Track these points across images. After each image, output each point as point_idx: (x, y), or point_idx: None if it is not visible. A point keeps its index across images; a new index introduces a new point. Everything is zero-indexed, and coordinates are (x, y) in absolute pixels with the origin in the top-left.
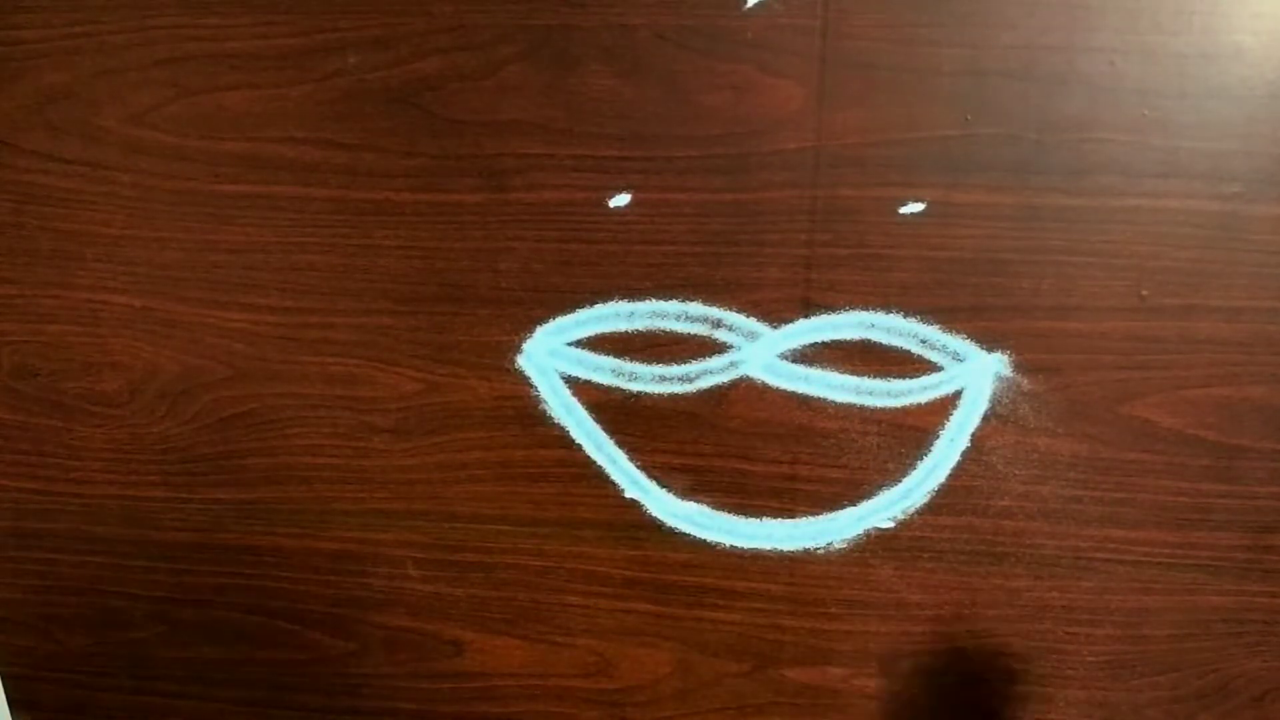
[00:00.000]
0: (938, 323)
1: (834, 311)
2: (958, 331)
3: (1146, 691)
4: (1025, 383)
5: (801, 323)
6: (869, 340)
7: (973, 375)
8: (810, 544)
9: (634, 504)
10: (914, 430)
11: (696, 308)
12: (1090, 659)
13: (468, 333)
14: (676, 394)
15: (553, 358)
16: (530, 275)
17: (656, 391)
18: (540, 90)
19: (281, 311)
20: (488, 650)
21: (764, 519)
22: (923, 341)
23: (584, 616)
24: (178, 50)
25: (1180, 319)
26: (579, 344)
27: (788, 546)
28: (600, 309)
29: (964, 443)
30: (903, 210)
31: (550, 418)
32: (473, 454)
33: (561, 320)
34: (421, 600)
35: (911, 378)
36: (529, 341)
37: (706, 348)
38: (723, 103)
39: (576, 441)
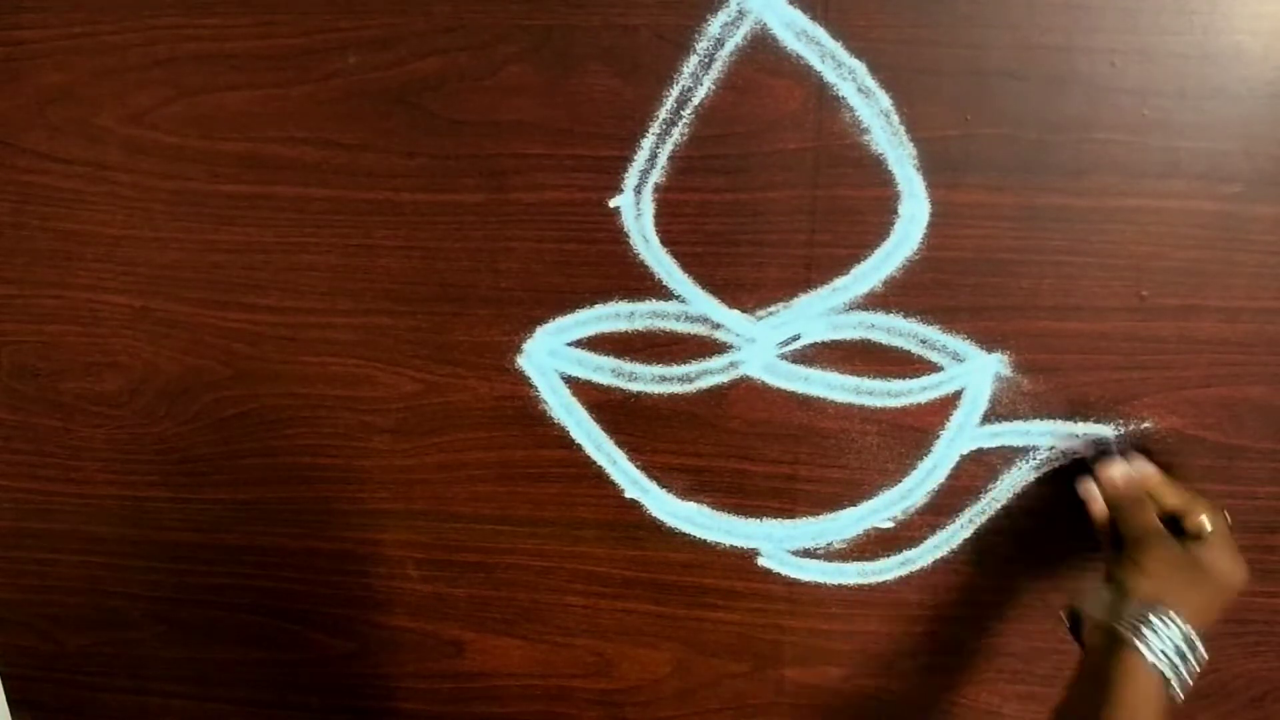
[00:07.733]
0: (938, 323)
1: (834, 312)
2: (958, 331)
3: None
4: (1025, 383)
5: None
6: (869, 340)
7: (973, 375)
8: (810, 544)
9: (634, 504)
10: (914, 430)
11: (696, 308)
12: None
13: (468, 333)
14: (676, 394)
15: (553, 358)
16: (530, 275)
17: (656, 391)
18: (540, 90)
19: (281, 311)
20: (488, 650)
21: (764, 519)
22: (923, 341)
23: (584, 616)
24: (178, 50)
25: (1180, 319)
26: (579, 344)
27: (788, 546)
28: (600, 309)
29: (964, 443)
30: (902, 210)
31: (550, 418)
32: (473, 454)
33: (561, 320)
34: (421, 600)
35: (911, 378)
36: (529, 342)
37: (706, 348)
38: (722, 103)
39: (576, 441)
